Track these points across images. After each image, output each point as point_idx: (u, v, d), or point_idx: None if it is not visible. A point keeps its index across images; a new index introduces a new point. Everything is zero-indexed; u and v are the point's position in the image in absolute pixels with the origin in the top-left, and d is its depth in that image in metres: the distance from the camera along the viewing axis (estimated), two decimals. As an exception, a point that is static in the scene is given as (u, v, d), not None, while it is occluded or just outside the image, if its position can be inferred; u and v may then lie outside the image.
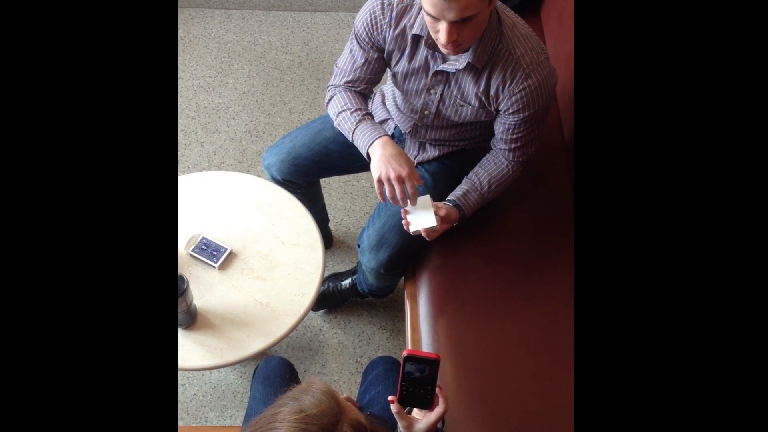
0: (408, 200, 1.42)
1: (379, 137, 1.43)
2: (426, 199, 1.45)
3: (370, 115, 1.50)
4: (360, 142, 1.46)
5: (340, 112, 1.50)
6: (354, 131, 1.47)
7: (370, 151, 1.44)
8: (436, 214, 1.42)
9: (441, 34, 1.26)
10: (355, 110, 1.48)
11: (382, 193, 1.42)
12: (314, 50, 2.64)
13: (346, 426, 0.82)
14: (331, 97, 1.54)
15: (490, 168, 1.53)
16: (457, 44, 1.29)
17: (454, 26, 1.24)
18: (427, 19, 1.27)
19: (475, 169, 1.55)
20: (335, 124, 1.53)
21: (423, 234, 1.43)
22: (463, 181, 1.55)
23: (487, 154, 1.56)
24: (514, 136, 1.47)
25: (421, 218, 1.42)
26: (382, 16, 1.41)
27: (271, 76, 2.56)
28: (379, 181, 1.41)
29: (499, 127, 1.49)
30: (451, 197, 1.52)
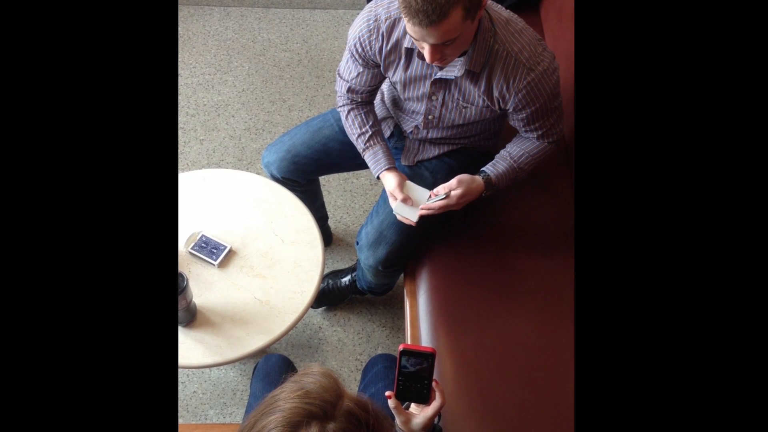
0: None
1: (383, 170, 1.54)
2: (422, 194, 1.50)
3: (371, 136, 1.56)
4: (371, 167, 1.57)
5: (350, 134, 1.60)
6: (363, 155, 1.59)
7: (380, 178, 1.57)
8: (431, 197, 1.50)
9: (425, 53, 1.28)
10: (359, 136, 1.57)
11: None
12: (313, 48, 2.64)
13: (348, 401, 0.83)
14: (340, 111, 1.61)
15: (522, 143, 1.54)
16: (443, 60, 1.30)
17: (437, 47, 1.25)
18: (411, 37, 1.28)
19: (507, 146, 1.57)
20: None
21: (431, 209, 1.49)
22: (495, 156, 1.56)
23: (518, 134, 1.57)
24: (534, 126, 1.48)
25: (408, 209, 1.50)
26: (368, 34, 1.42)
27: (271, 73, 2.56)
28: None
29: (517, 123, 1.50)
30: (482, 168, 1.54)
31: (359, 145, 1.57)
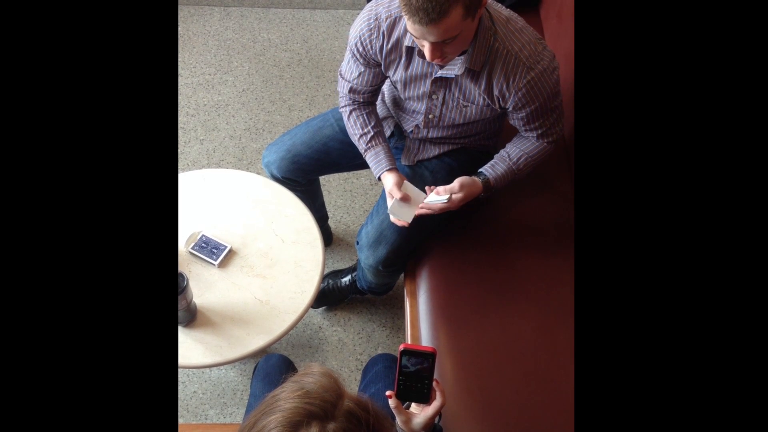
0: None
1: (384, 171, 1.53)
2: (419, 195, 1.49)
3: (373, 137, 1.57)
4: (372, 168, 1.57)
5: (351, 135, 1.60)
6: (365, 156, 1.59)
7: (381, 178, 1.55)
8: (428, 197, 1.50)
9: (426, 51, 1.28)
10: (360, 136, 1.58)
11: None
12: (313, 48, 2.64)
13: (348, 401, 0.82)
14: (342, 112, 1.61)
15: (522, 144, 1.55)
16: (443, 58, 1.30)
17: (437, 46, 1.25)
18: (412, 35, 1.28)
19: (506, 146, 1.57)
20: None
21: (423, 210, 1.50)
22: (494, 156, 1.56)
23: (519, 134, 1.57)
24: (534, 125, 1.48)
25: (404, 210, 1.50)
26: (369, 33, 1.42)
27: (271, 73, 2.56)
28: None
29: (517, 122, 1.50)
30: (480, 169, 1.55)
31: (361, 146, 1.57)
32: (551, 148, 1.55)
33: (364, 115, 1.57)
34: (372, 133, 1.56)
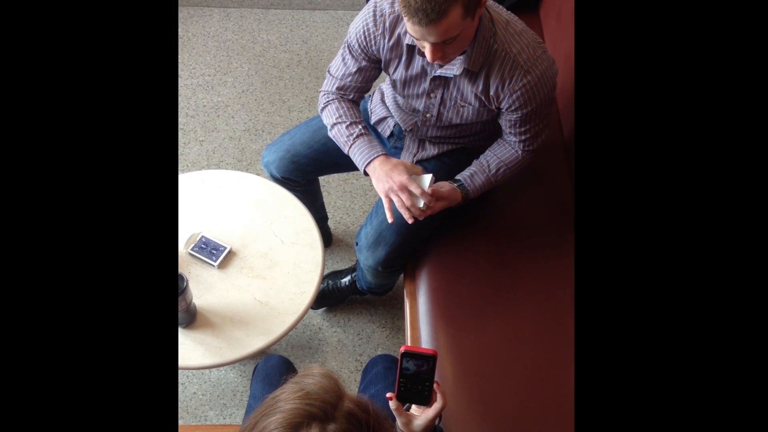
0: (413, 209, 1.43)
1: (375, 157, 1.47)
2: (426, 179, 1.47)
3: (365, 127, 1.52)
4: (357, 158, 1.51)
5: (334, 124, 1.54)
6: (350, 147, 1.51)
7: (368, 171, 1.49)
8: (434, 192, 1.46)
9: (427, 52, 1.27)
10: (350, 124, 1.52)
11: (391, 209, 1.46)
12: (313, 49, 2.64)
13: (348, 402, 0.83)
14: (325, 105, 1.56)
15: (501, 152, 1.54)
16: (444, 58, 1.30)
17: (438, 46, 1.25)
18: (412, 36, 1.28)
19: (486, 152, 1.56)
20: (330, 134, 1.56)
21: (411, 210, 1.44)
22: (473, 163, 1.56)
23: (499, 139, 1.57)
24: (522, 129, 1.48)
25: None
26: (374, 28, 1.41)
27: (270, 74, 2.56)
28: (386, 196, 1.45)
29: (505, 123, 1.50)
30: (458, 177, 1.54)
31: (353, 131, 1.51)
32: (530, 159, 1.56)
33: (352, 106, 1.55)
34: (362, 124, 1.53)
